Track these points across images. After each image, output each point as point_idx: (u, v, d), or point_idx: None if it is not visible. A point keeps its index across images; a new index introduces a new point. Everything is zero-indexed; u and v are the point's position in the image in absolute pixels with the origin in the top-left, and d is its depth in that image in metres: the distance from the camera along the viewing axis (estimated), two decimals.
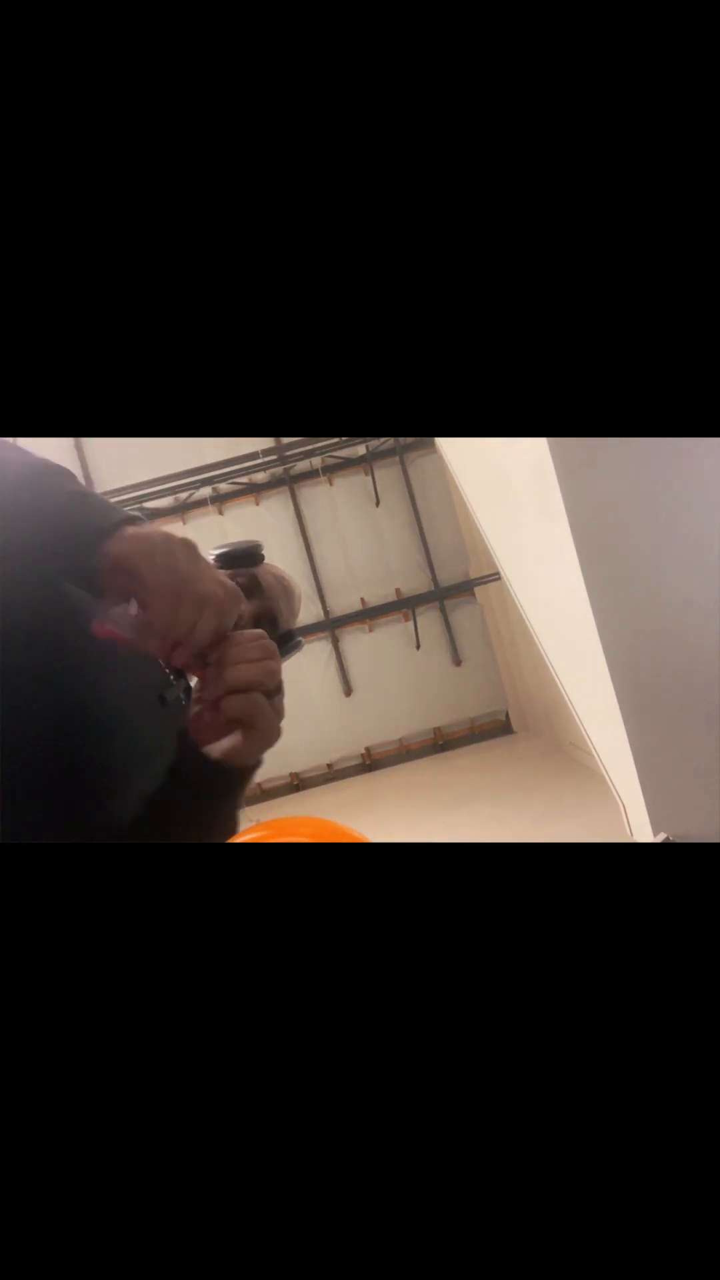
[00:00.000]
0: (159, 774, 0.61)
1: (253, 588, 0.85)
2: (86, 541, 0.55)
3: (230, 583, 0.59)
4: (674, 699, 1.19)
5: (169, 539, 0.56)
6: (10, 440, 0.59)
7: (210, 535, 6.38)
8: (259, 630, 0.61)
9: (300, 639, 0.89)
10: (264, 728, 0.59)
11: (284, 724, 0.62)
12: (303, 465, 6.47)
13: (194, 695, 0.61)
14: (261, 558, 0.88)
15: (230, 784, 0.61)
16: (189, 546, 0.57)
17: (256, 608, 0.84)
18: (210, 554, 0.80)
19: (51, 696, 0.60)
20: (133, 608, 0.55)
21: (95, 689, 0.62)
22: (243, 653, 0.58)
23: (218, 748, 0.59)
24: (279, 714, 0.61)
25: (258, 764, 0.62)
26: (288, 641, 0.91)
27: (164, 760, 0.61)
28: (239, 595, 0.60)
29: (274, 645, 0.61)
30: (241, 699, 0.58)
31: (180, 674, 0.65)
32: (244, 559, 0.86)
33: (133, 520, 0.57)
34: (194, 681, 0.63)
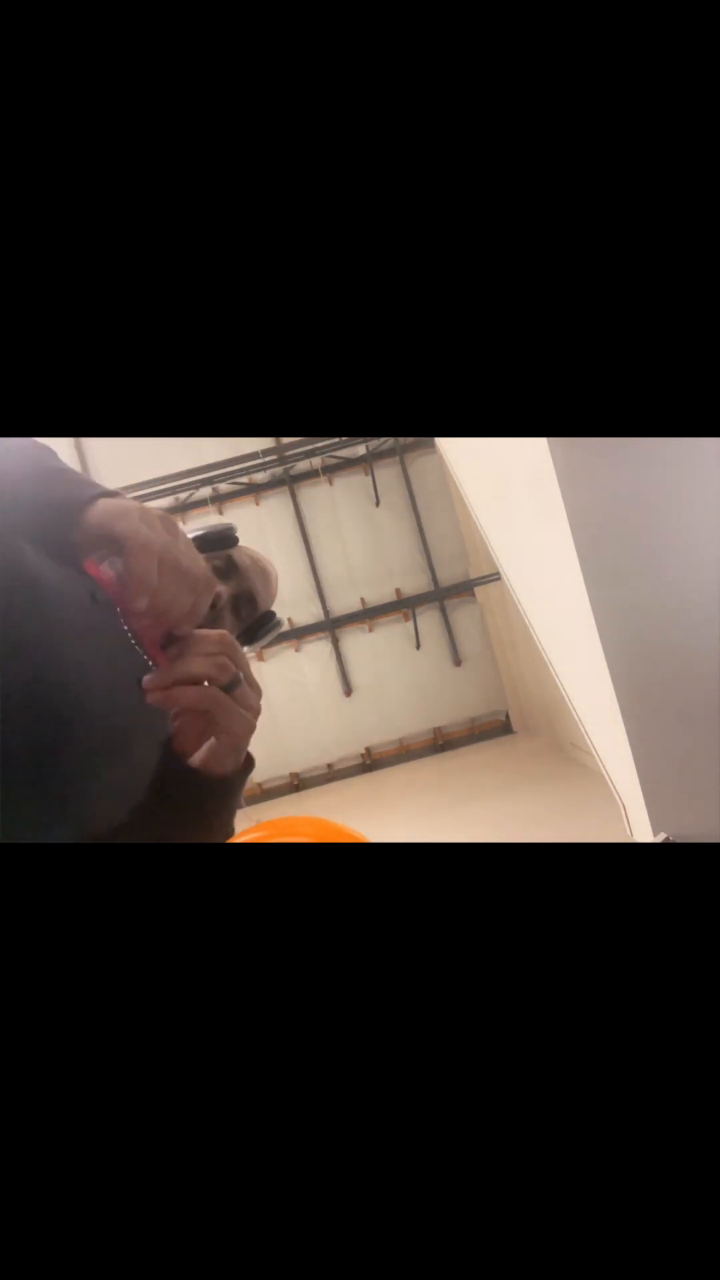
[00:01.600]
0: (137, 762, 0.60)
1: (229, 569, 0.85)
2: (65, 514, 0.55)
3: (205, 565, 0.59)
4: (674, 699, 1.19)
5: (147, 510, 0.56)
6: None
7: None
8: (222, 631, 0.60)
9: (280, 619, 0.89)
10: (226, 721, 0.57)
11: (284, 724, 0.63)
12: (303, 465, 6.47)
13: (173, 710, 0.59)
14: (236, 539, 0.88)
15: (212, 794, 0.59)
16: (168, 519, 0.57)
17: (234, 587, 0.85)
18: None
19: (26, 675, 0.58)
20: (117, 565, 0.55)
21: (74, 670, 0.61)
22: (200, 646, 0.57)
23: (196, 757, 0.58)
24: (249, 708, 0.59)
25: (237, 774, 0.61)
26: (268, 621, 0.91)
27: (141, 748, 0.60)
28: (213, 579, 0.59)
29: (234, 642, 0.60)
30: (195, 690, 0.56)
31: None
32: (219, 541, 0.85)
33: (109, 494, 0.57)
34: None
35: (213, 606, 0.72)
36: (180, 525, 0.59)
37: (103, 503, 0.56)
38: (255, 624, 0.89)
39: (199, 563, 0.58)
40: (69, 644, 0.61)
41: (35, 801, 0.58)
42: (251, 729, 0.59)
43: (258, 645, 0.90)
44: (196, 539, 0.83)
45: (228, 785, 0.60)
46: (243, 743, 0.60)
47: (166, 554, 0.54)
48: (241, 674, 0.59)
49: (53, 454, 0.60)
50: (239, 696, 0.58)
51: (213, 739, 0.58)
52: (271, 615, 0.92)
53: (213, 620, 0.77)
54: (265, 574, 0.91)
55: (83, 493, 0.56)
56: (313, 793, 6.32)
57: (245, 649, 0.85)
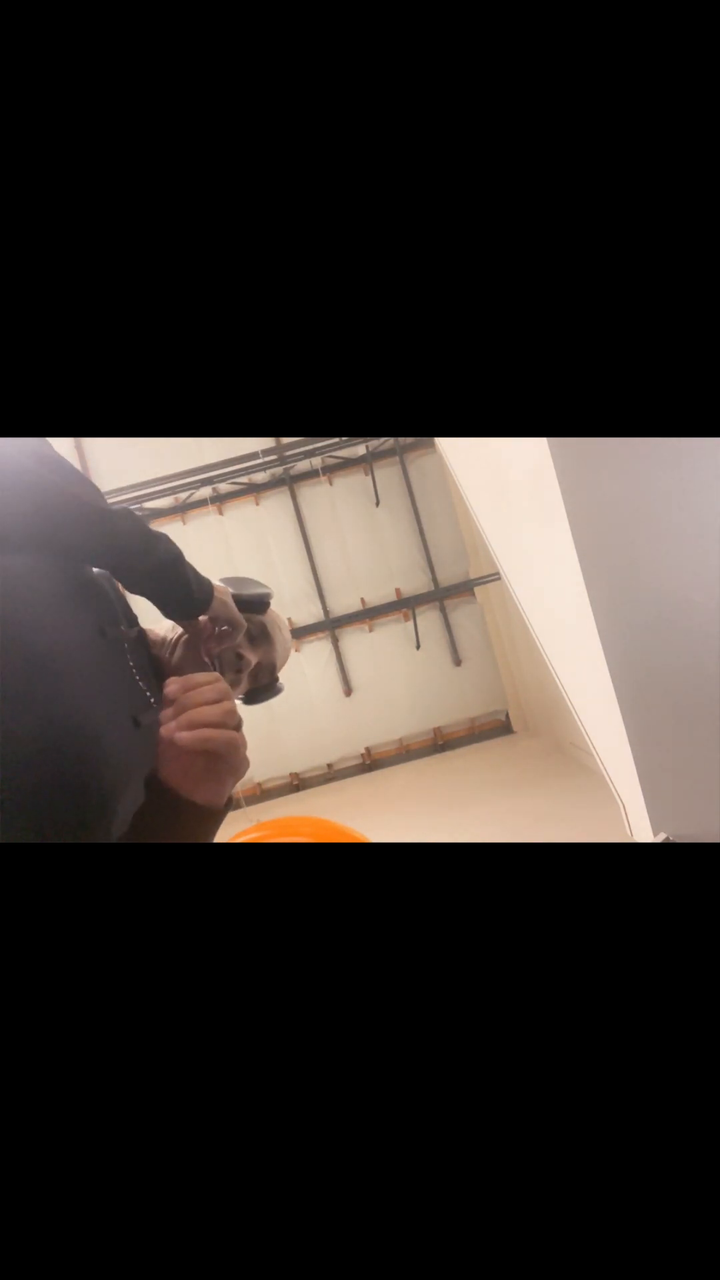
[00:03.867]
0: (138, 794, 0.65)
1: (262, 637, 0.94)
2: (191, 608, 0.84)
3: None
4: (674, 699, 1.19)
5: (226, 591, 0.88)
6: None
7: (210, 535, 6.38)
8: (214, 675, 0.68)
9: (281, 685, 1.01)
10: (235, 760, 0.64)
11: (284, 724, 0.68)
12: (303, 465, 6.47)
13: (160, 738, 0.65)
14: (269, 605, 1.00)
15: (199, 826, 0.63)
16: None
17: (262, 657, 0.94)
18: (218, 579, 0.92)
19: (38, 717, 0.60)
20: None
21: (78, 711, 0.63)
22: (202, 695, 0.65)
23: (199, 793, 0.63)
24: (244, 745, 0.67)
25: (231, 803, 0.67)
26: (273, 686, 1.01)
27: (140, 783, 0.65)
28: (242, 623, 0.90)
29: (227, 687, 0.68)
30: (223, 732, 0.63)
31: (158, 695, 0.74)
32: (255, 605, 0.97)
33: (219, 589, 0.87)
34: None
35: (238, 671, 0.94)
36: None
37: (219, 596, 0.86)
38: (263, 688, 1.00)
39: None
40: (83, 691, 0.65)
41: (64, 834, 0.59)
42: (247, 765, 0.65)
43: (255, 704, 1.02)
44: (236, 598, 0.96)
45: (212, 819, 0.64)
46: (239, 776, 0.65)
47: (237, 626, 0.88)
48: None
49: (168, 539, 0.82)
50: (241, 738, 0.65)
51: (217, 776, 0.64)
52: (276, 681, 1.02)
53: (234, 681, 0.93)
54: (288, 646, 1.03)
55: (201, 590, 0.85)
56: (313, 793, 6.32)
57: (241, 703, 0.97)
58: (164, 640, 0.88)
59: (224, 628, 0.86)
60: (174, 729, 0.63)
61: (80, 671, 0.64)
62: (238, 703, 0.98)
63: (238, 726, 0.65)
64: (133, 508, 6.31)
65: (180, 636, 0.88)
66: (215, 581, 0.89)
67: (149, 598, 0.82)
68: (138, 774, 0.65)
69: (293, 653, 6.61)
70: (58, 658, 0.63)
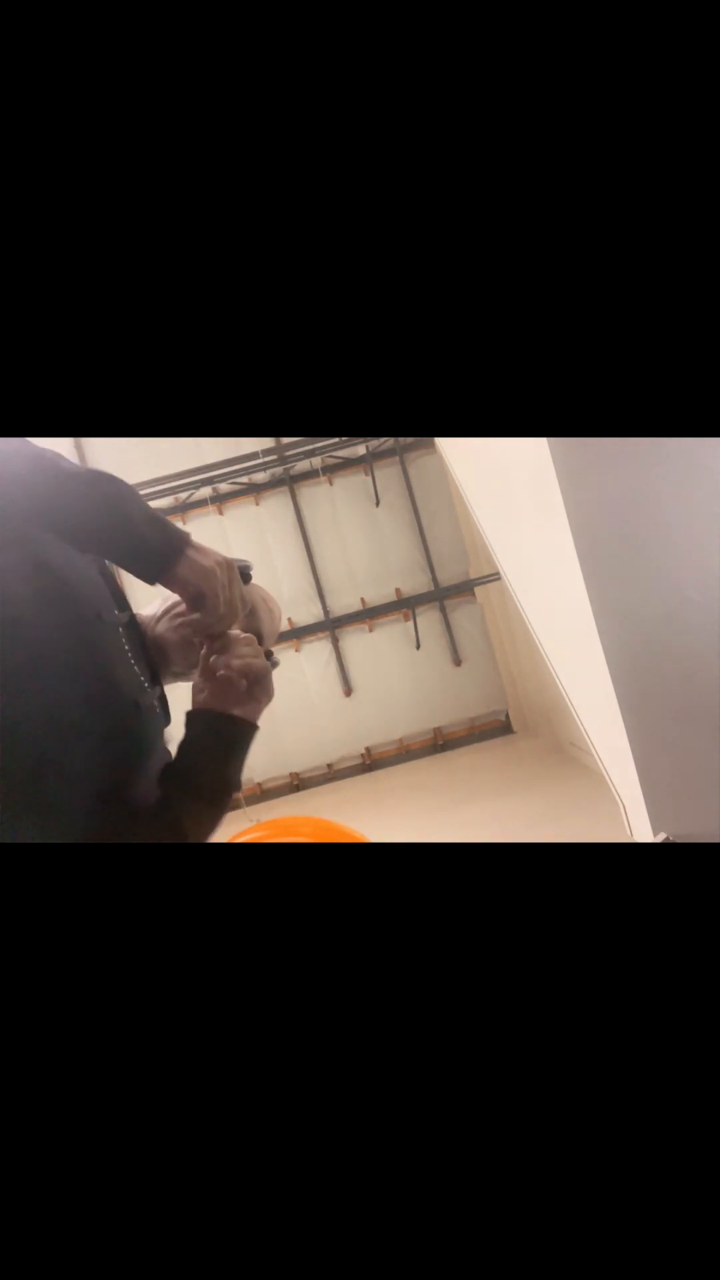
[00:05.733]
0: (138, 777, 0.71)
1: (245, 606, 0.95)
2: (155, 566, 0.75)
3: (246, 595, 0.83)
4: (674, 699, 1.19)
5: (221, 563, 0.78)
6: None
7: (210, 535, 6.37)
8: (249, 635, 0.82)
9: (277, 659, 1.01)
10: (267, 684, 0.81)
11: (284, 724, 0.74)
12: (303, 465, 6.46)
13: (201, 682, 0.79)
14: (250, 577, 0.98)
15: (244, 739, 0.78)
16: (229, 566, 0.79)
17: (247, 626, 0.94)
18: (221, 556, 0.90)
19: (44, 704, 0.65)
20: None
21: (84, 692, 0.69)
22: (242, 642, 0.81)
23: (241, 708, 0.78)
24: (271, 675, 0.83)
25: (254, 727, 0.80)
26: (266, 660, 1.01)
27: (143, 754, 0.73)
28: (248, 602, 0.84)
29: (256, 640, 0.82)
30: (260, 662, 0.81)
31: (155, 683, 0.82)
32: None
33: (192, 546, 0.77)
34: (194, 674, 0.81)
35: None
36: (234, 568, 0.81)
37: (190, 559, 0.75)
38: None
39: (242, 597, 0.82)
40: (88, 676, 0.72)
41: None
42: (273, 694, 0.82)
43: None
44: None
45: (250, 736, 0.79)
46: (267, 703, 0.81)
47: (231, 600, 0.79)
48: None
49: (129, 493, 0.75)
50: (269, 664, 0.82)
51: (251, 698, 0.79)
52: (271, 653, 1.03)
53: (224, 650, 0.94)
54: (272, 615, 1.03)
55: (170, 546, 0.75)
56: (313, 793, 6.31)
57: None
58: (150, 618, 0.92)
59: (196, 593, 0.76)
60: (221, 662, 0.78)
61: (84, 658, 0.67)
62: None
63: (267, 655, 0.82)
64: None
65: (162, 613, 0.90)
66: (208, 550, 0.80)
67: (103, 553, 0.77)
68: (139, 757, 0.69)
69: (292, 652, 6.64)
70: (61, 646, 0.66)
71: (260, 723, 0.80)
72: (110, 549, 0.75)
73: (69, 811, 0.62)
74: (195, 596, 0.75)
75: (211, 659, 0.79)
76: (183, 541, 0.75)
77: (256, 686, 0.80)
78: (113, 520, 0.72)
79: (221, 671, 0.78)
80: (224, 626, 0.78)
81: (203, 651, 0.80)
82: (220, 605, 0.76)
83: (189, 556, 0.75)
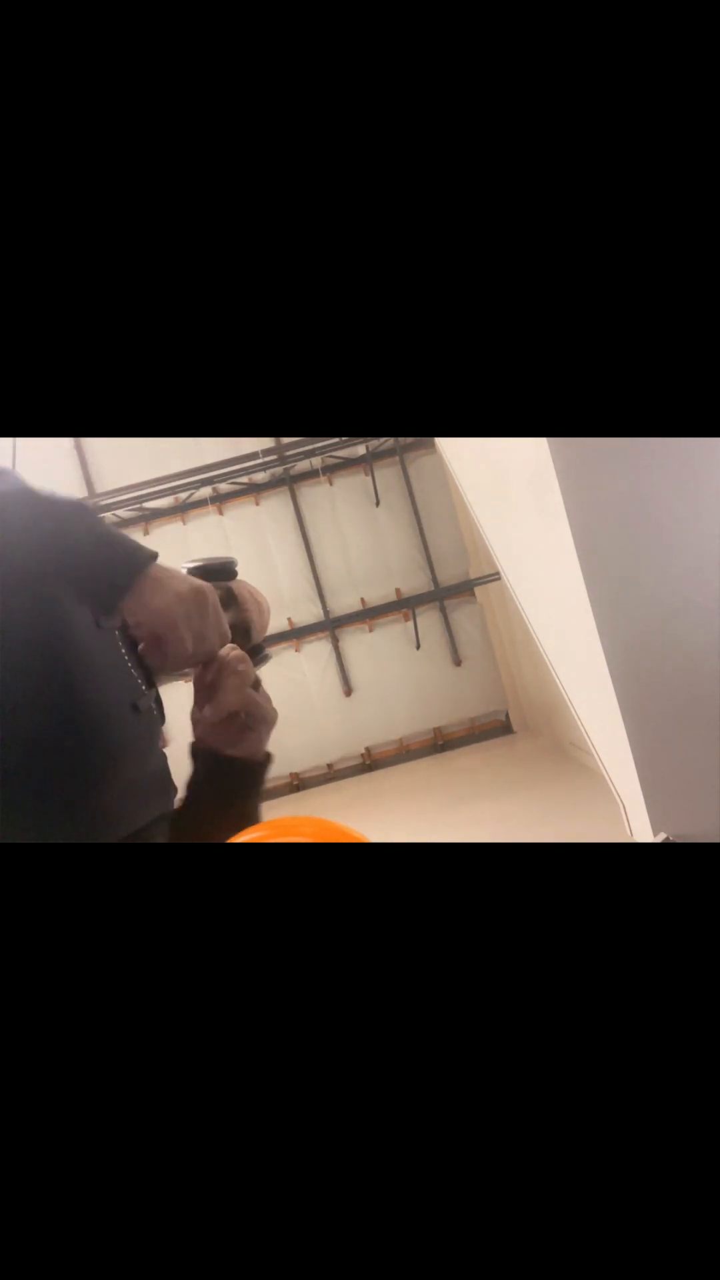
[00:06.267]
0: (136, 770, 0.69)
1: (229, 600, 0.92)
2: (110, 593, 0.65)
3: (223, 623, 0.72)
4: (674, 699, 1.19)
5: (182, 589, 0.67)
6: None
7: (210, 535, 6.37)
8: (239, 652, 0.74)
9: (268, 651, 0.98)
10: (263, 716, 0.71)
11: (284, 724, 0.73)
12: (303, 465, 6.47)
13: (198, 714, 0.73)
14: (235, 573, 0.96)
15: (253, 778, 0.73)
16: (199, 593, 0.68)
17: (232, 618, 0.91)
18: (184, 566, 0.87)
19: (43, 698, 0.63)
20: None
21: (80, 697, 0.67)
22: (230, 667, 0.73)
23: (238, 748, 0.72)
24: (267, 699, 0.75)
25: (269, 758, 0.75)
26: (257, 654, 0.99)
27: (138, 758, 0.70)
28: (226, 634, 0.72)
29: (246, 655, 0.74)
30: (245, 699, 0.72)
31: (151, 684, 0.76)
32: (219, 573, 0.93)
33: (141, 568, 0.65)
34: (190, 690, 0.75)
35: None
36: (207, 595, 0.70)
37: (145, 589, 0.64)
38: (248, 654, 0.99)
39: (219, 624, 0.71)
40: (79, 666, 0.69)
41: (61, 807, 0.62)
42: (275, 718, 0.74)
43: None
44: (197, 570, 0.90)
45: (259, 773, 0.73)
46: (270, 730, 0.74)
47: (202, 633, 0.68)
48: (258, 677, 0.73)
49: (91, 513, 0.68)
50: (260, 695, 0.73)
51: (250, 731, 0.72)
52: (262, 648, 1.01)
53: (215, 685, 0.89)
54: (260, 608, 1.00)
55: (130, 569, 0.65)
56: (313, 793, 6.32)
57: None
58: None
59: (150, 636, 0.65)
60: (209, 709, 0.71)
61: (83, 663, 0.67)
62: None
63: (256, 685, 0.74)
64: (132, 508, 6.35)
65: None
66: (184, 574, 0.70)
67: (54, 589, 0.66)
68: (138, 756, 0.68)
69: (292, 652, 6.64)
70: (63, 651, 0.65)
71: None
72: (57, 586, 0.65)
73: (68, 816, 0.62)
74: (150, 640, 0.66)
75: (202, 699, 0.72)
76: (130, 575, 0.64)
77: (253, 718, 0.74)
78: (53, 555, 0.62)
79: (208, 714, 0.71)
80: (201, 660, 0.70)
81: (195, 674, 0.73)
82: (187, 644, 0.66)
83: (138, 594, 0.63)
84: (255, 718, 0.73)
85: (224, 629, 0.72)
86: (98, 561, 0.63)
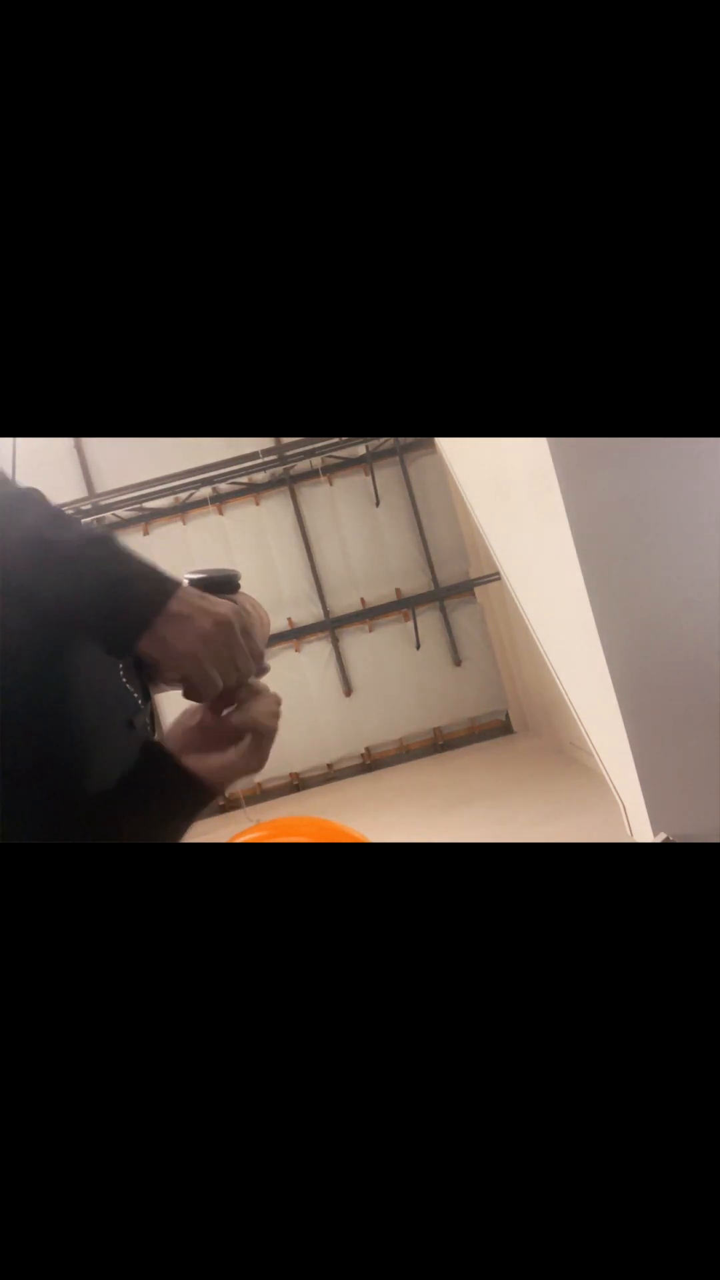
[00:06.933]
0: (129, 784, 0.66)
1: None
2: (120, 641, 0.62)
3: (246, 650, 0.67)
4: (674, 699, 1.19)
5: (207, 619, 0.62)
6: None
7: (210, 535, 6.38)
8: (276, 695, 0.71)
9: (267, 665, 0.96)
10: (262, 749, 0.69)
11: (284, 724, 0.73)
12: (303, 465, 6.47)
13: (208, 720, 0.68)
14: (238, 586, 0.93)
15: (196, 803, 0.68)
16: (222, 623, 0.63)
17: None
18: (186, 577, 0.84)
19: (40, 717, 0.63)
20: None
21: (76, 712, 0.66)
22: (267, 704, 0.69)
23: (226, 770, 0.67)
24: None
25: (222, 793, 0.69)
26: (255, 666, 0.98)
27: (134, 773, 0.67)
28: (250, 661, 0.68)
29: (279, 699, 0.71)
30: (266, 718, 0.68)
31: (148, 698, 0.74)
32: (223, 585, 0.91)
33: (155, 611, 0.61)
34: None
35: None
36: (233, 624, 0.65)
37: (167, 632, 0.61)
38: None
39: (251, 647, 0.67)
40: (80, 696, 0.67)
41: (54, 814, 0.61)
42: (263, 757, 0.70)
43: None
44: (198, 582, 0.87)
45: (205, 800, 0.68)
46: (259, 764, 0.69)
47: (221, 668, 0.64)
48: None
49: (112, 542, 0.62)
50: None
51: (235, 758, 0.67)
52: (260, 660, 0.99)
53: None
54: (263, 623, 0.97)
55: (140, 615, 0.61)
56: (313, 793, 6.32)
57: None
58: None
59: (180, 678, 0.63)
60: (231, 715, 0.67)
61: (78, 679, 0.66)
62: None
63: (277, 717, 0.70)
64: (132, 508, 6.35)
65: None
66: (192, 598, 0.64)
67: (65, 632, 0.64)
68: (129, 774, 0.68)
69: (292, 652, 6.65)
70: (58, 669, 0.64)
71: None
72: (69, 626, 0.62)
73: (63, 828, 0.61)
74: (183, 682, 0.63)
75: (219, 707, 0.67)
76: (141, 620, 0.60)
77: (251, 747, 0.68)
78: (61, 608, 0.59)
79: (206, 723, 0.66)
80: (235, 687, 0.66)
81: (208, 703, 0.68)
82: (217, 681, 0.62)
83: (158, 637, 0.60)
84: (255, 748, 0.68)
85: (257, 649, 0.69)
86: (103, 614, 0.60)
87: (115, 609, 0.60)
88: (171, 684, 0.70)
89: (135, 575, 0.61)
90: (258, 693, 0.69)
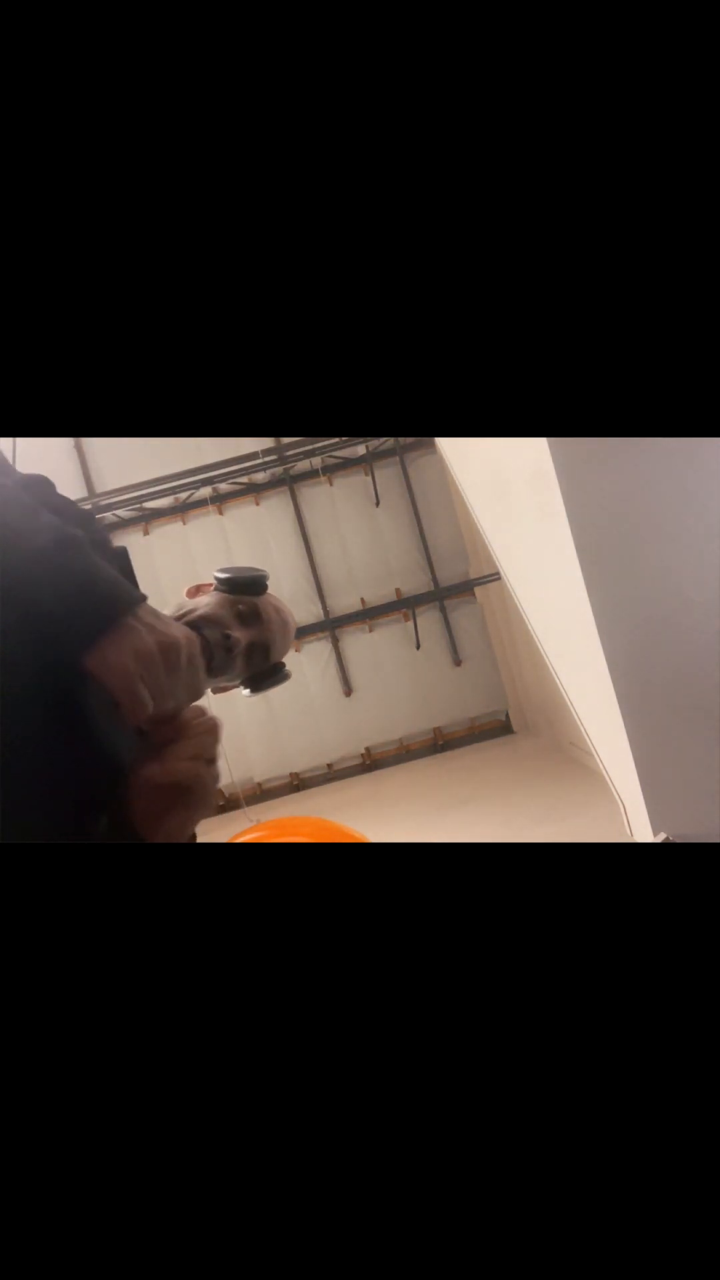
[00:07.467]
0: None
1: (252, 616, 0.87)
2: (72, 648, 0.58)
3: (194, 678, 0.63)
4: (674, 699, 1.19)
5: (142, 656, 0.58)
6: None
7: (210, 535, 6.38)
8: (201, 709, 0.65)
9: (288, 671, 0.91)
10: (203, 797, 0.63)
11: (284, 725, 0.66)
12: (303, 465, 6.47)
13: (136, 769, 0.62)
14: (265, 587, 0.90)
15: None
16: (168, 650, 0.59)
17: (254, 636, 0.87)
18: (216, 574, 0.81)
19: (46, 721, 0.60)
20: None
21: (83, 718, 0.63)
22: (191, 737, 0.63)
23: (159, 826, 0.61)
24: (216, 779, 0.64)
25: (193, 839, 0.64)
26: (278, 672, 0.94)
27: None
28: (198, 690, 0.64)
29: (215, 721, 0.65)
30: (187, 766, 0.62)
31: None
32: (249, 586, 0.88)
33: (109, 622, 0.58)
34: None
35: (228, 651, 0.77)
36: (179, 650, 0.61)
37: (107, 643, 0.58)
38: (264, 673, 0.91)
39: (191, 681, 0.63)
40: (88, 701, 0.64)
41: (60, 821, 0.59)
42: (215, 804, 0.63)
43: (260, 692, 0.93)
44: (226, 581, 0.85)
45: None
46: (204, 815, 0.63)
47: (152, 690, 0.59)
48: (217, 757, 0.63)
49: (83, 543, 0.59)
50: (211, 773, 0.63)
51: (180, 811, 0.62)
52: (281, 667, 0.94)
53: (226, 663, 0.78)
54: (286, 627, 0.93)
55: (92, 624, 0.58)
56: (313, 793, 6.32)
57: (246, 692, 0.89)
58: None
59: (111, 696, 0.58)
60: (143, 770, 0.62)
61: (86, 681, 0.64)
62: (245, 693, 0.93)
63: (212, 761, 0.63)
64: (132, 508, 6.35)
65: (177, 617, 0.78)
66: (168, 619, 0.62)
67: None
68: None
69: (292, 652, 6.62)
70: (71, 682, 0.62)
71: (260, 722, 0.69)
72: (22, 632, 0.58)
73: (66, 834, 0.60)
74: (113, 698, 0.59)
75: (147, 756, 0.62)
76: (91, 629, 0.57)
77: (190, 797, 0.62)
78: (14, 599, 0.56)
79: (148, 774, 0.61)
80: (164, 718, 0.62)
81: (151, 728, 0.64)
82: (146, 703, 0.58)
83: (100, 649, 0.57)
84: (194, 797, 0.61)
85: (197, 686, 0.64)
86: (57, 616, 0.57)
87: (66, 613, 0.57)
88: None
89: (98, 580, 0.58)
90: (187, 735, 0.63)
